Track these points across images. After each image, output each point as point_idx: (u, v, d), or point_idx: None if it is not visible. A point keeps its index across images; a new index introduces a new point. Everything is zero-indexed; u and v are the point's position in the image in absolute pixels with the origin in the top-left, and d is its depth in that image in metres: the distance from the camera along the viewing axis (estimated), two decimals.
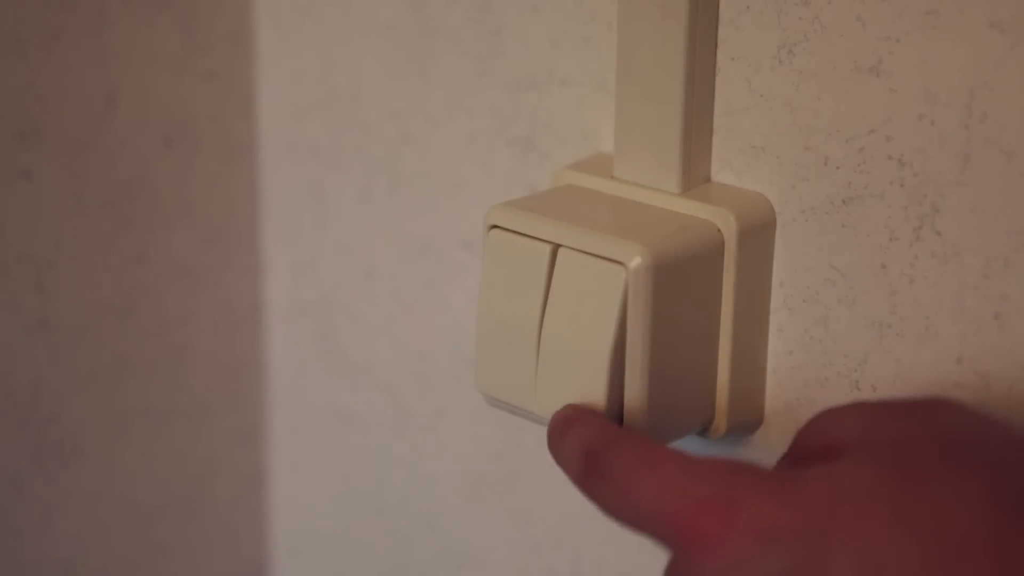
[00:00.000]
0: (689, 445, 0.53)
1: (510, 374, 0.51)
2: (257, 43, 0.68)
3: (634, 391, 0.49)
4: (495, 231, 0.52)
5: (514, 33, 0.58)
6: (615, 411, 0.49)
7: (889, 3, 0.47)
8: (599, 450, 0.44)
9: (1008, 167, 0.46)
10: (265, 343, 0.73)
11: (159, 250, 0.68)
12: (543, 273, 0.50)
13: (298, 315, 0.71)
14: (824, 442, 0.42)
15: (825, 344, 0.51)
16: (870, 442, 0.40)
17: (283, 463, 0.74)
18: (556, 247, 0.50)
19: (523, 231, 0.51)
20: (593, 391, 0.49)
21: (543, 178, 0.58)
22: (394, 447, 0.68)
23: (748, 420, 0.53)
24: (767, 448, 0.53)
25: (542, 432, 0.49)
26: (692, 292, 0.50)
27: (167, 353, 0.70)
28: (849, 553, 0.37)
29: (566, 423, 0.47)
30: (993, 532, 0.36)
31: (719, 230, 0.50)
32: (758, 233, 0.51)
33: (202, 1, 0.67)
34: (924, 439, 0.40)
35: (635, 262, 0.48)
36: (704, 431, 0.52)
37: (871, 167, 0.48)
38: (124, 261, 0.67)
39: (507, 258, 0.51)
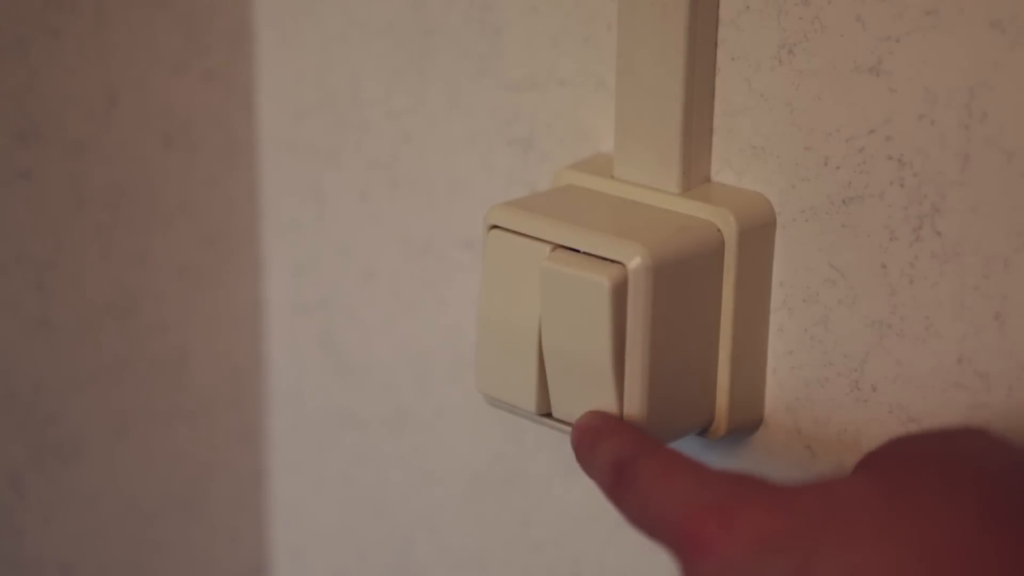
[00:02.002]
0: (689, 445, 0.53)
1: (510, 375, 0.51)
2: (257, 43, 0.68)
3: (634, 391, 0.49)
4: (495, 231, 0.52)
5: (514, 33, 0.58)
6: (616, 412, 0.49)
7: (889, 3, 0.47)
8: (627, 461, 0.45)
9: (1008, 167, 0.46)
10: (265, 343, 0.73)
11: (159, 250, 0.68)
12: None
13: (298, 315, 0.71)
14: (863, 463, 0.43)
15: (825, 344, 0.51)
16: (883, 460, 0.42)
17: (283, 463, 0.74)
18: (556, 247, 0.50)
19: (523, 231, 0.51)
20: (597, 392, 0.49)
21: (543, 178, 0.58)
22: (394, 447, 0.68)
23: (748, 420, 0.53)
24: (767, 448, 0.53)
25: (542, 432, 0.49)
26: (692, 292, 0.50)
27: (167, 353, 0.70)
28: (833, 558, 0.38)
29: (595, 434, 0.48)
30: (974, 538, 0.37)
31: (719, 230, 0.50)
32: (758, 233, 0.51)
33: (202, 1, 0.67)
34: (930, 457, 0.41)
35: (635, 262, 0.48)
36: (704, 431, 0.52)
37: (871, 167, 0.48)
38: (124, 261, 0.67)
39: (507, 258, 0.51)
